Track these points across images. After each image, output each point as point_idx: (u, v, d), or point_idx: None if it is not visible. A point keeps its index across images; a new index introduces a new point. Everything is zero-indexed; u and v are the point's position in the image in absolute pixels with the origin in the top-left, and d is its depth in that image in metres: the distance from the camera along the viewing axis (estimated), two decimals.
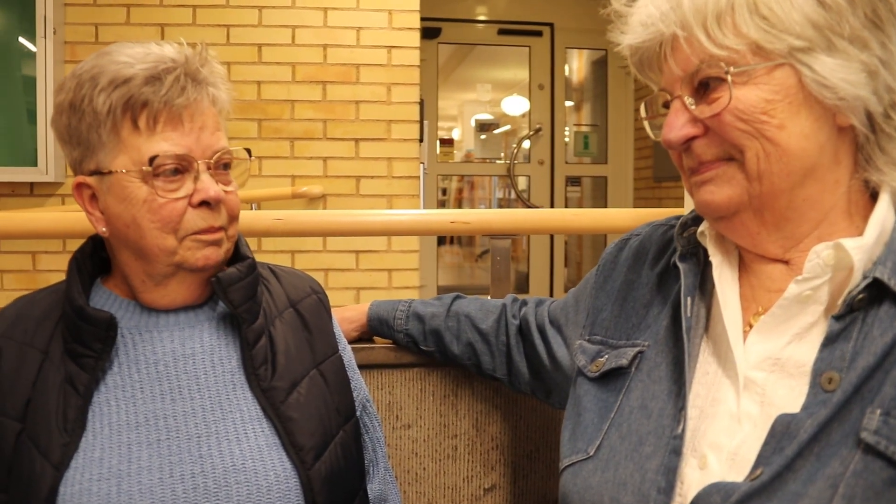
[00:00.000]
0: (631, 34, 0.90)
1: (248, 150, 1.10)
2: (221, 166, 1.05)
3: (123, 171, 1.00)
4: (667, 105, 0.91)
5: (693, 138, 0.87)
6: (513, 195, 6.20)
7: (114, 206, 1.02)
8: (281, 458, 1.02)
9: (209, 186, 1.01)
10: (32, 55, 3.53)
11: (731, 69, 0.82)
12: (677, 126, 0.87)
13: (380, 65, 3.82)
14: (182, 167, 1.01)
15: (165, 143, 0.99)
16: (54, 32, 3.54)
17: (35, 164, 3.56)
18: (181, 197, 1.01)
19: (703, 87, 0.85)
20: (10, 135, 3.57)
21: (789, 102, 0.82)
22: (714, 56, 0.83)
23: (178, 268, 1.04)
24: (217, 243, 1.04)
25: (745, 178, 0.85)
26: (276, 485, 1.00)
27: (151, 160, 0.99)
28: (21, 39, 3.56)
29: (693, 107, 0.86)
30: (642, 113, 0.98)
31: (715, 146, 0.86)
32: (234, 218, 1.07)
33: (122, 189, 1.00)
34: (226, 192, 1.05)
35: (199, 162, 1.01)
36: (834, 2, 0.81)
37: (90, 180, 1.03)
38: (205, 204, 1.02)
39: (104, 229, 1.05)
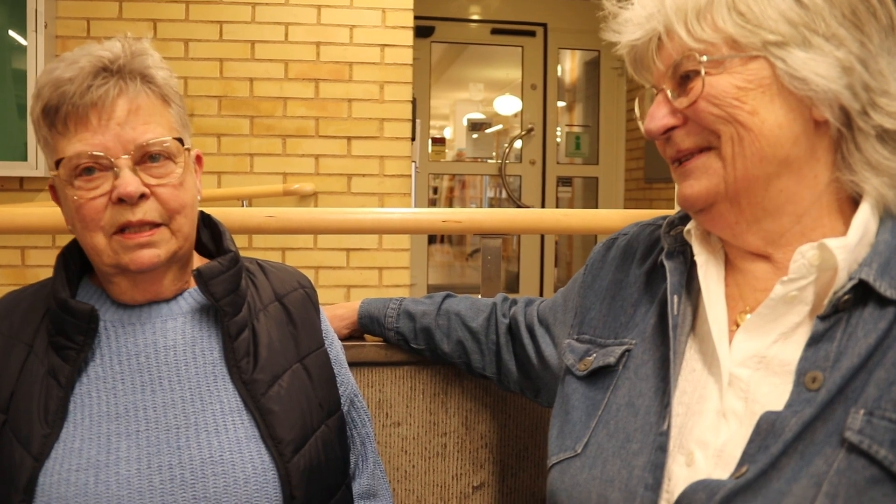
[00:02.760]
0: (624, 33, 0.93)
1: (181, 140, 1.05)
2: (149, 158, 1.02)
3: (56, 172, 1.02)
4: None
5: (673, 128, 0.90)
6: (504, 195, 6.20)
7: (62, 206, 1.06)
8: (259, 451, 1.02)
9: (127, 182, 0.99)
10: (23, 49, 3.51)
11: (705, 58, 0.85)
12: (658, 117, 0.91)
13: (373, 63, 3.82)
14: (100, 165, 1.00)
15: (80, 144, 0.99)
16: (45, 27, 3.52)
17: (25, 158, 3.54)
18: (98, 196, 1.00)
19: (684, 81, 0.88)
20: (0, 129, 3.55)
21: (762, 92, 0.84)
22: (692, 49, 0.86)
23: (117, 268, 1.04)
24: (148, 245, 1.02)
25: (722, 165, 0.87)
26: (254, 477, 1.00)
27: (57, 164, 1.00)
28: (12, 33, 3.54)
29: (674, 99, 0.89)
30: (637, 112, 1.01)
31: (693, 135, 0.89)
32: (174, 211, 1.04)
33: (61, 190, 1.03)
34: (158, 185, 1.03)
35: (119, 158, 1.00)
36: (811, 1, 0.83)
37: (54, 181, 1.07)
38: (123, 201, 1.00)
39: (70, 227, 1.07)
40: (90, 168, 1.00)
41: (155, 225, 1.03)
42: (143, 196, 1.01)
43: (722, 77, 0.85)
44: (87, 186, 1.00)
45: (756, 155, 0.85)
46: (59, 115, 1.00)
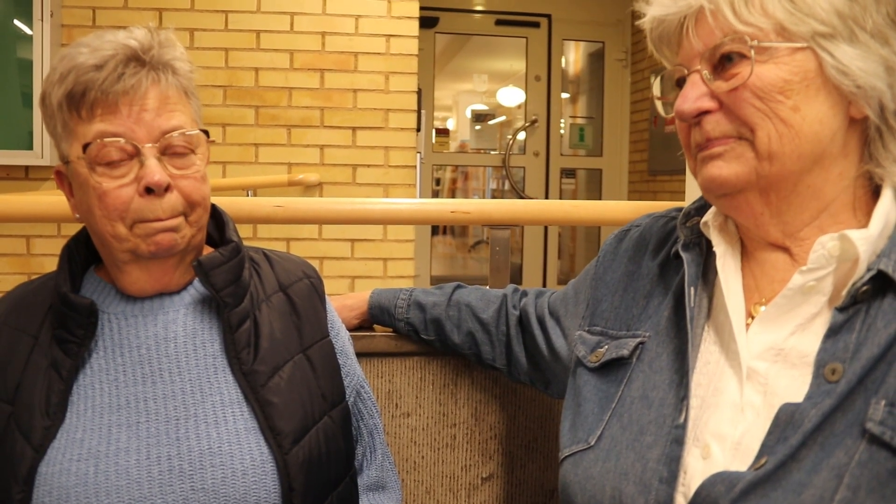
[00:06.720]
0: (658, 6, 0.91)
1: (206, 132, 1.06)
2: (172, 150, 1.02)
3: (76, 158, 1.01)
4: (680, 83, 0.92)
5: (706, 113, 0.88)
6: (507, 186, 6.19)
7: (77, 193, 1.05)
8: (258, 442, 1.02)
9: (153, 170, 0.99)
10: (29, 38, 3.51)
11: (755, 44, 0.83)
12: (692, 98, 0.88)
13: (378, 53, 3.81)
14: (125, 153, 1.00)
15: (106, 126, 0.99)
16: (51, 15, 3.52)
17: (31, 147, 3.54)
18: (126, 184, 1.00)
19: (723, 63, 0.86)
20: (6, 118, 3.55)
21: (807, 86, 0.83)
22: (738, 31, 0.84)
23: (133, 255, 1.03)
24: (171, 229, 1.02)
25: (756, 156, 0.85)
26: (252, 469, 1.00)
27: (85, 147, 0.99)
28: (17, 22, 3.54)
29: (711, 81, 0.87)
30: (655, 91, 0.99)
31: (726, 123, 0.87)
32: (194, 203, 1.04)
33: (78, 177, 1.02)
34: (180, 176, 1.02)
35: (145, 146, 1.00)
36: None
37: (62, 168, 1.06)
38: (151, 191, 1.00)
39: (77, 216, 1.07)
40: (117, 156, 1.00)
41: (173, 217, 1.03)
42: (167, 187, 1.01)
43: (768, 66, 0.83)
44: (111, 174, 1.00)
45: (795, 152, 0.84)
46: (84, 101, 0.99)
